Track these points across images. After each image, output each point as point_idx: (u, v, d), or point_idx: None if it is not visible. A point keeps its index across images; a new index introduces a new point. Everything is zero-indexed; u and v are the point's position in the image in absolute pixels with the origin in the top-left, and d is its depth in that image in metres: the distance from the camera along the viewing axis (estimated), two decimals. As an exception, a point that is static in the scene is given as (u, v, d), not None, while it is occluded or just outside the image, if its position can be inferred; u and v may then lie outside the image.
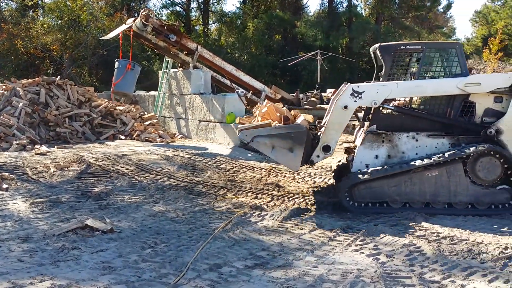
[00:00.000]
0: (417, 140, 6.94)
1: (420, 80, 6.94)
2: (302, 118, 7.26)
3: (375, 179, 6.73)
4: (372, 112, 7.15)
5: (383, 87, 6.86)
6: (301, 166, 7.03)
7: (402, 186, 6.74)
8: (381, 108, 7.04)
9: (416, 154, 6.91)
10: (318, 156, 7.10)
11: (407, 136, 6.93)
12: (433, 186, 6.69)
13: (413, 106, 7.07)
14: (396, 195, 6.77)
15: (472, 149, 6.62)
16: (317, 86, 19.81)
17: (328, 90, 22.47)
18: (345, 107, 6.86)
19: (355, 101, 6.86)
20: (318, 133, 7.33)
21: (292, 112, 7.59)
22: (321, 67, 22.44)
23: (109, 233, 5.61)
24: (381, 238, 5.60)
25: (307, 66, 28.55)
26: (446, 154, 6.64)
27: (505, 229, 5.96)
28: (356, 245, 5.38)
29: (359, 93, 6.83)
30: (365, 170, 6.84)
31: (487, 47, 34.82)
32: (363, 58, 34.91)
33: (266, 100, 8.22)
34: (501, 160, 6.67)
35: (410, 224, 6.19)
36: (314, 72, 24.04)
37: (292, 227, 6.06)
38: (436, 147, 6.91)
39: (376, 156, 6.96)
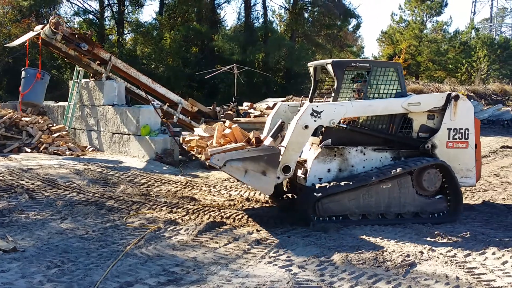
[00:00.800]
0: (364, 154, 7.28)
1: (371, 100, 7.27)
2: (271, 140, 7.21)
3: (338, 193, 6.83)
4: (324, 127, 7.24)
5: (340, 106, 7.05)
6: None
7: (361, 199, 6.93)
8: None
9: (363, 167, 7.25)
10: (278, 178, 6.80)
11: (356, 150, 7.23)
12: (387, 198, 7.02)
13: (361, 121, 7.40)
14: (355, 208, 6.94)
15: (424, 162, 7.15)
16: (233, 99, 19.98)
17: (245, 104, 22.75)
18: (306, 126, 6.86)
19: (315, 120, 6.91)
20: None
21: (253, 133, 7.23)
22: (237, 80, 22.67)
23: (12, 252, 5.26)
24: (293, 250, 5.73)
25: (224, 79, 28.73)
26: (399, 167, 7.01)
27: (407, 237, 6.34)
28: (269, 257, 5.46)
29: (318, 112, 6.90)
30: (332, 183, 6.89)
31: (392, 65, 37.06)
32: (279, 73, 35.81)
33: (228, 121, 7.79)
34: (441, 173, 7.24)
35: (322, 235, 6.40)
36: (231, 85, 24.24)
37: (207, 241, 6.02)
38: (380, 160, 7.33)
39: (329, 170, 7.12)
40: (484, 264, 5.33)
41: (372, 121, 7.40)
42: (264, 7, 35.99)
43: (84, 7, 32.11)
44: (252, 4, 36.12)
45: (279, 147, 6.92)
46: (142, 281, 4.64)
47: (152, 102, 13.25)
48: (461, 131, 7.54)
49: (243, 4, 35.47)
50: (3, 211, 6.85)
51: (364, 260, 5.35)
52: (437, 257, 5.49)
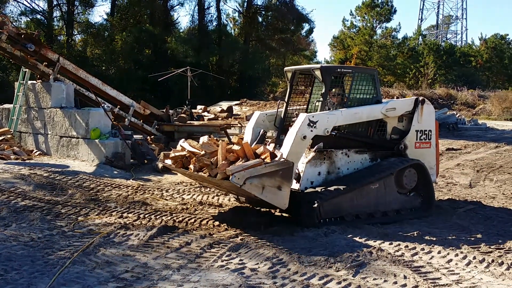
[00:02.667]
0: (348, 156, 7.64)
1: (357, 108, 7.64)
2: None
3: (339, 195, 7.01)
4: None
5: (332, 115, 7.32)
6: None
7: (355, 199, 7.19)
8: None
9: (348, 169, 7.61)
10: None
11: (342, 153, 7.58)
12: (375, 198, 7.36)
13: (344, 125, 7.67)
14: (350, 209, 7.17)
15: (409, 161, 7.74)
16: (187, 102, 19.84)
17: (198, 107, 22.62)
18: (304, 137, 6.99)
19: (311, 130, 7.05)
20: None
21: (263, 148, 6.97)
22: (191, 83, 22.51)
23: (-52, 262, 4.99)
24: (246, 253, 5.72)
25: (178, 82, 28.45)
26: (388, 167, 7.48)
27: (357, 238, 6.46)
28: (222, 261, 5.43)
29: (314, 122, 7.06)
30: (333, 186, 7.10)
31: (344, 70, 37.89)
32: (233, 76, 35.84)
33: (234, 137, 7.75)
34: (418, 171, 7.78)
35: (274, 237, 6.42)
36: (184, 88, 24.04)
37: (158, 246, 5.92)
38: (361, 162, 7.75)
39: (319, 173, 7.39)
40: (430, 263, 5.50)
41: (356, 126, 7.79)
42: (218, 10, 36.02)
43: (31, 7, 31.11)
44: (206, 7, 36.07)
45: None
46: (90, 289, 4.51)
47: (103, 105, 12.93)
48: (425, 132, 8.21)
49: (197, 7, 35.36)
50: None
51: (315, 262, 5.41)
52: (386, 257, 5.62)
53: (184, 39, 33.03)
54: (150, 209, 7.83)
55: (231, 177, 6.12)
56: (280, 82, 41.85)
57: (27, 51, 12.30)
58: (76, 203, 7.93)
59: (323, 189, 7.09)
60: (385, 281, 4.95)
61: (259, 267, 5.26)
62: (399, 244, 6.19)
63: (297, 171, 7.25)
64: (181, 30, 37.17)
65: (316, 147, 7.38)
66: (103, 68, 30.20)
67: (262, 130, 8.13)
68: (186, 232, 6.60)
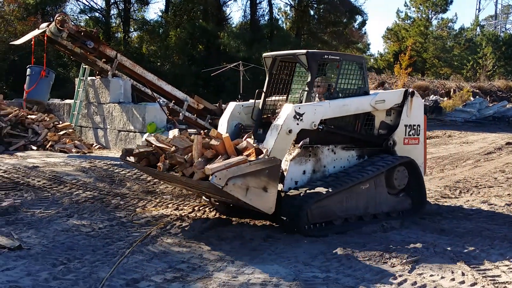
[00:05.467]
0: (335, 153, 6.88)
1: (345, 99, 6.94)
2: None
3: (328, 197, 6.24)
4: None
5: (320, 107, 6.60)
6: None
7: (344, 201, 6.46)
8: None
9: (334, 167, 6.86)
10: None
11: (328, 149, 6.81)
12: (366, 199, 6.67)
13: (330, 118, 6.92)
14: (340, 212, 6.45)
15: (399, 159, 7.06)
16: (239, 96, 19.93)
17: (251, 101, 22.70)
18: (290, 131, 6.29)
19: (297, 124, 6.35)
20: None
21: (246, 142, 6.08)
22: (243, 78, 22.62)
23: (17, 250, 5.27)
24: (300, 246, 5.70)
25: (230, 76, 28.67)
26: (378, 165, 6.80)
27: (413, 233, 6.28)
28: (275, 254, 5.44)
29: (301, 115, 6.35)
30: (321, 187, 6.28)
31: (398, 62, 37.01)
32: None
33: (216, 131, 6.18)
34: (409, 170, 7.16)
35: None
36: (236, 83, 24.19)
37: (213, 237, 6.01)
38: (348, 160, 7.00)
39: (304, 172, 6.59)
40: (489, 260, 5.27)
41: (342, 120, 7.02)
42: (270, 4, 35.91)
43: (90, 5, 32.12)
44: (258, 1, 36.03)
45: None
46: (148, 278, 4.64)
47: (158, 100, 13.25)
48: (414, 127, 7.50)
49: (249, 2, 35.40)
50: (8, 209, 6.86)
51: (369, 256, 5.31)
52: (442, 253, 5.44)
53: (236, 34, 33.17)
54: (204, 201, 7.95)
55: (211, 177, 5.22)
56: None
57: (86, 48, 12.75)
58: (134, 195, 8.17)
59: (310, 190, 6.21)
60: (442, 277, 4.80)
61: (312, 260, 5.24)
62: (456, 240, 5.99)
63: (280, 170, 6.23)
64: (233, 26, 37.41)
65: (302, 142, 6.50)
66: (158, 63, 30.84)
67: (240, 124, 7.35)
68: (240, 224, 6.66)
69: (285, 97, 7.53)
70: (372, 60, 56.01)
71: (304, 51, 6.85)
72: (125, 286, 4.44)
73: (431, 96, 32.88)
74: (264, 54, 7.62)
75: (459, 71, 49.33)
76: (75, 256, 5.18)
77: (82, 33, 12.81)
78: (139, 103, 13.25)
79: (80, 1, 31.70)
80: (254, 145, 5.92)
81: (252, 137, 6.80)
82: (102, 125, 13.67)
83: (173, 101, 14.06)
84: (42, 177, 8.99)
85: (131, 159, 6.72)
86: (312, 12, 37.32)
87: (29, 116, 13.32)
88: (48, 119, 13.55)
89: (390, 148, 7.28)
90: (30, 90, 11.72)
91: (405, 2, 53.05)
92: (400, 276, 4.83)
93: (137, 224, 6.54)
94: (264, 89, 7.47)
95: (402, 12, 54.00)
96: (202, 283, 4.55)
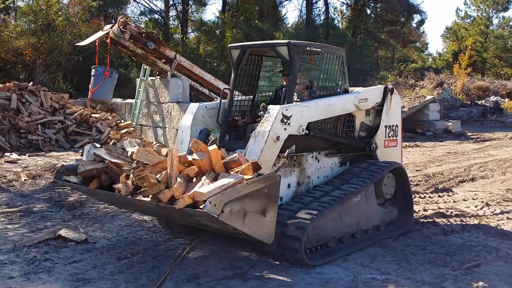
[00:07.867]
0: (318, 161, 5.92)
1: (330, 98, 5.97)
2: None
3: (322, 216, 5.14)
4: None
5: (307, 108, 5.56)
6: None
7: (338, 219, 5.46)
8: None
9: (318, 177, 5.90)
10: None
11: (312, 157, 5.83)
12: (358, 214, 5.72)
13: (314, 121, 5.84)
14: (334, 232, 5.42)
15: (391, 165, 6.22)
16: (294, 97, 19.88)
17: (216, 101, 22.53)
18: (278, 138, 5.22)
19: (285, 128, 5.30)
20: None
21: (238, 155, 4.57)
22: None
23: (83, 243, 5.50)
24: (357, 249, 5.62)
25: (286, 77, 28.72)
26: (371, 174, 5.93)
27: (474, 237, 6.05)
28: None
29: (288, 118, 5.31)
30: (314, 204, 5.26)
31: (457, 62, 35.77)
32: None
33: (200, 143, 4.46)
34: (396, 177, 6.33)
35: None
36: (291, 83, 24.19)
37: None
38: (331, 168, 6.09)
39: (289, 185, 5.55)
40: None
41: (325, 122, 5.96)
42: (326, 4, 35.67)
43: (150, 7, 33.17)
44: (313, 1, 35.88)
45: None
46: (209, 274, 4.72)
47: (215, 99, 13.46)
48: (393, 128, 6.70)
49: (305, 1, 35.32)
50: (74, 204, 7.18)
51: (430, 260, 5.17)
52: (505, 258, 5.23)
53: (291, 34, 33.16)
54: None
55: (205, 204, 3.92)
56: (389, 75, 40.50)
57: (147, 49, 13.15)
58: (192, 193, 8.32)
59: (303, 211, 5.08)
60: (505, 283, 4.60)
61: (371, 262, 5.16)
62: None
63: None
64: (288, 26, 37.44)
65: (287, 151, 5.41)
66: (215, 64, 31.34)
67: (206, 130, 6.11)
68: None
69: (251, 97, 6.53)
70: (430, 59, 54.45)
71: (285, 41, 5.77)
72: (186, 281, 4.54)
73: (491, 97, 31.55)
74: (230, 46, 6.37)
75: (522, 72, 47.08)
76: (138, 250, 5.35)
77: (143, 35, 13.22)
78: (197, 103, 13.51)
79: (140, 3, 32.75)
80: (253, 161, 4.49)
81: (218, 145, 5.48)
82: (161, 124, 14.05)
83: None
84: (105, 173, 9.33)
85: (72, 179, 5.16)
86: (368, 11, 36.75)
87: (93, 115, 13.89)
88: (110, 118, 14.07)
89: (372, 152, 6.43)
90: (95, 89, 12.21)
91: (465, 1, 51.53)
92: (461, 280, 4.67)
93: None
94: (230, 87, 6.33)
95: (461, 10, 52.44)
96: (261, 281, 4.59)
